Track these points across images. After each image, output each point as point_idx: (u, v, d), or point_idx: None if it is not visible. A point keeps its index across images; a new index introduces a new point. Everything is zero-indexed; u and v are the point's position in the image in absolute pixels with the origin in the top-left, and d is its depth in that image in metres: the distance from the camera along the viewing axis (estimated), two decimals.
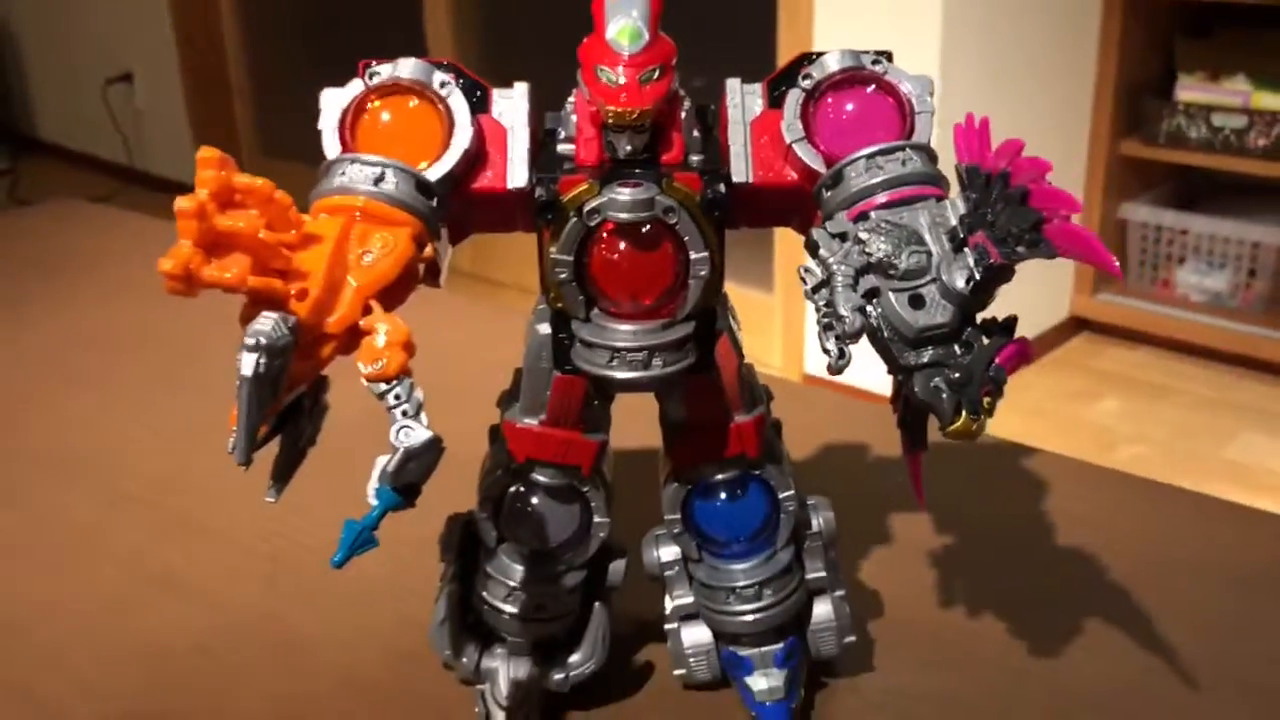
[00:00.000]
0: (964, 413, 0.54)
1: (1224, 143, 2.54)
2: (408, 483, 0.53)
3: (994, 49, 2.32)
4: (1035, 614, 0.77)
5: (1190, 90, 2.59)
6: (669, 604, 0.69)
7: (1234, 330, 2.56)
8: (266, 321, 0.50)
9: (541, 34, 3.05)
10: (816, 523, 0.68)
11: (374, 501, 0.53)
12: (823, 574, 0.68)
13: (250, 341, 0.49)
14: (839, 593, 0.69)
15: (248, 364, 0.49)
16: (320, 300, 0.53)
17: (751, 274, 2.66)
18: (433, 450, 0.53)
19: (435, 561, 0.70)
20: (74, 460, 1.02)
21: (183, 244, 0.50)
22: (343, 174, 0.57)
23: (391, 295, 0.56)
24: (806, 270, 0.57)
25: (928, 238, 0.55)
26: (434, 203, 0.58)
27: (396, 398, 0.53)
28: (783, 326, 2.61)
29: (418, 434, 0.53)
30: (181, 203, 0.49)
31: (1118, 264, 0.50)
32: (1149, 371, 2.59)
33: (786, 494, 0.66)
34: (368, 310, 0.55)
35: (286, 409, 0.54)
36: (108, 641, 0.78)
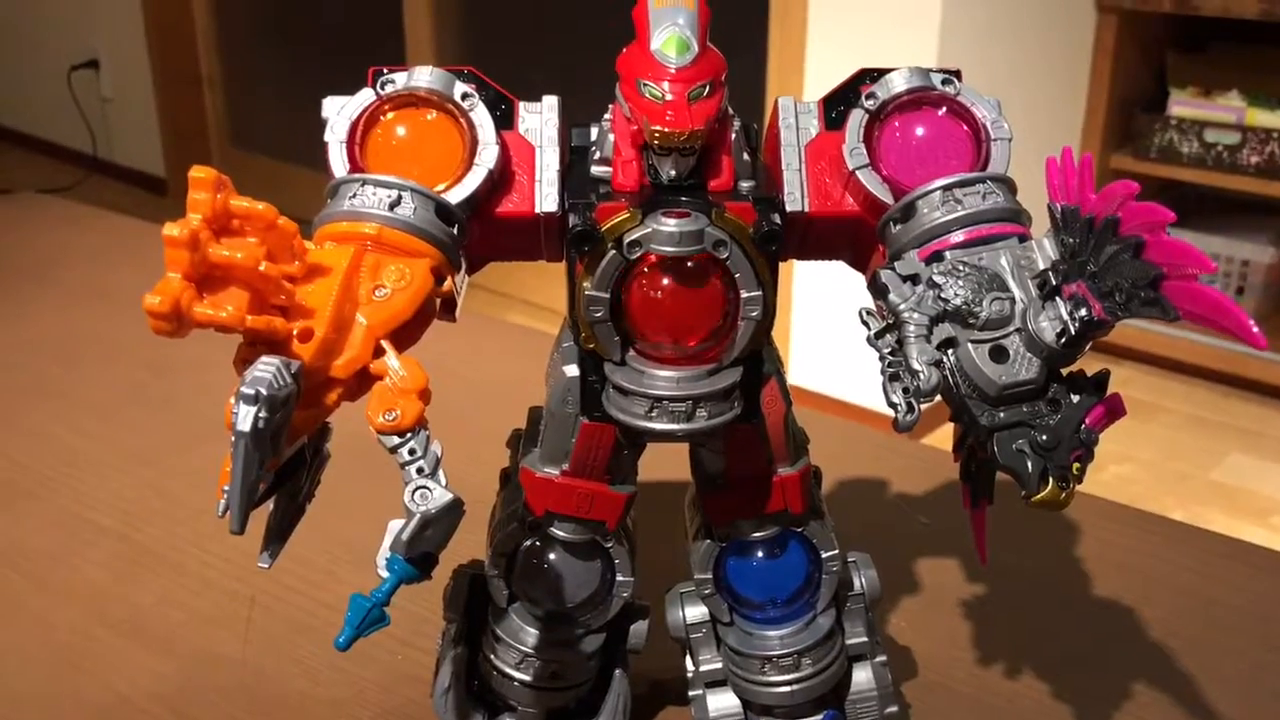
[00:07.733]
0: (1051, 480, 0.48)
1: (1216, 159, 2.50)
2: (423, 552, 0.46)
3: (988, 59, 2.27)
4: (1075, 672, 0.72)
5: (1183, 105, 2.56)
6: (692, 667, 0.63)
7: (1221, 349, 2.52)
8: (267, 369, 0.43)
9: (528, 19, 2.97)
10: (859, 583, 0.62)
11: (384, 574, 0.46)
12: (864, 639, 0.62)
13: (249, 392, 0.42)
14: (880, 658, 0.63)
15: (245, 419, 0.42)
16: (327, 341, 0.47)
17: None
18: (452, 514, 0.47)
19: (438, 610, 0.64)
20: (30, 483, 0.94)
21: (171, 277, 0.43)
22: (353, 196, 0.50)
23: (406, 335, 0.49)
24: (869, 314, 0.51)
25: (1011, 283, 0.50)
26: (454, 230, 0.51)
27: (411, 453, 0.47)
28: None
29: (436, 496, 0.46)
30: (170, 230, 0.43)
31: (1259, 331, 0.43)
32: (1136, 389, 2.55)
33: (830, 553, 0.60)
34: (379, 352, 0.48)
35: (285, 463, 0.48)
36: (61, 695, 0.71)
